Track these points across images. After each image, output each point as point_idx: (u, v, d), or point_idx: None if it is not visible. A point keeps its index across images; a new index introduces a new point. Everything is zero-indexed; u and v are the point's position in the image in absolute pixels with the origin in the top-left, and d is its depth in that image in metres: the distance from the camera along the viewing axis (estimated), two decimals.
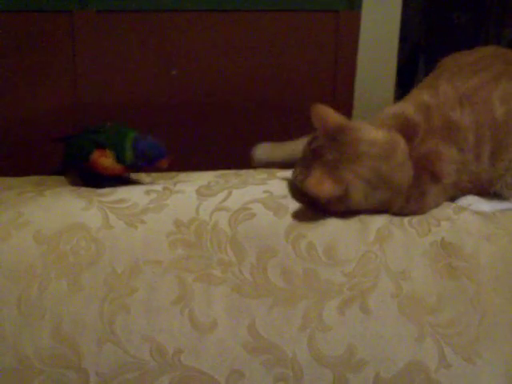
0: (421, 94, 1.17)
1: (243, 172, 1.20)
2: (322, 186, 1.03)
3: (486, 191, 1.18)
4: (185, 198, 1.09)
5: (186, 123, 1.83)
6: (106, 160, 1.16)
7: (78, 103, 1.80)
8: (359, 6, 1.83)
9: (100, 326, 1.00)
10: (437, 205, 1.15)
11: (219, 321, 1.02)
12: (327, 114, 1.11)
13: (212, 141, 1.88)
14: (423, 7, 2.25)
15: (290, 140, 1.31)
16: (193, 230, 1.05)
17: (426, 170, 1.11)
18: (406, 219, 1.11)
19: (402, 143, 1.09)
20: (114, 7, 1.77)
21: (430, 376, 1.02)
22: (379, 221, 1.10)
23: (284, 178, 1.15)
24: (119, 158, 1.16)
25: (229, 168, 1.25)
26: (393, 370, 1.02)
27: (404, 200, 1.11)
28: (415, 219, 1.11)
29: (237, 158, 1.81)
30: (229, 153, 1.86)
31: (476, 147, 1.13)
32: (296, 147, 1.21)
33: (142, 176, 1.25)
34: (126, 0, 1.77)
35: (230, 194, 1.09)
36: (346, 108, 1.89)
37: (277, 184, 1.13)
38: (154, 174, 1.24)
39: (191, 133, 1.86)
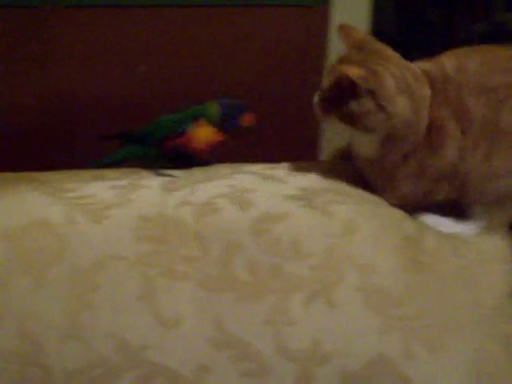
0: (443, 63, 1.14)
1: (208, 167, 1.19)
2: (353, 69, 1.02)
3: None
4: (149, 193, 1.09)
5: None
6: (206, 129, 1.19)
7: (46, 99, 1.78)
8: (328, 1, 1.83)
9: (64, 322, 0.99)
10: (416, 184, 1.14)
11: (184, 316, 1.01)
12: (352, 29, 1.12)
13: None
14: (395, 2, 2.26)
15: None
16: (157, 225, 1.05)
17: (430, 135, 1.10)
18: (372, 208, 1.11)
19: (427, 86, 1.09)
20: (82, 3, 1.75)
21: (396, 368, 1.02)
22: (347, 213, 1.09)
23: (250, 172, 1.15)
24: (212, 123, 1.19)
25: None
26: (359, 363, 1.02)
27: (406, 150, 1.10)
28: (385, 211, 1.11)
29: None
30: None
31: (475, 143, 1.12)
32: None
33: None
34: None
35: (194, 188, 1.09)
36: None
37: (242, 178, 1.12)
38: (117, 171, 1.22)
39: None
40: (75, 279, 1.01)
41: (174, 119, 1.22)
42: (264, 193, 1.09)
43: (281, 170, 1.17)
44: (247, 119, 1.20)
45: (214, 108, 1.20)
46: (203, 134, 1.19)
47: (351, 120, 1.08)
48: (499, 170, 1.12)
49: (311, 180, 1.14)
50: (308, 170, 1.18)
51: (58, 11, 1.74)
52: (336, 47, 1.84)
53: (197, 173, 1.15)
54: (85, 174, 1.18)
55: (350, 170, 1.19)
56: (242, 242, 1.04)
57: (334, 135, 1.83)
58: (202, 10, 1.80)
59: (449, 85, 1.12)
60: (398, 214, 1.12)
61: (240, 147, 1.85)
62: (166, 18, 1.80)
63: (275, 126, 1.85)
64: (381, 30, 2.02)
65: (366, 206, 1.11)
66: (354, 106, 1.06)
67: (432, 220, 1.17)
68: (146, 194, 1.08)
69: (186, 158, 1.22)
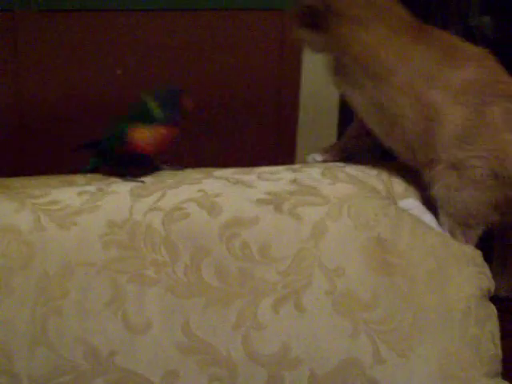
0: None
1: (179, 172, 1.19)
2: None
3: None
4: (118, 199, 1.08)
5: None
6: (143, 129, 1.16)
7: (20, 103, 1.77)
8: None
9: (32, 329, 0.99)
10: None
11: (153, 322, 1.01)
12: None
13: None
14: None
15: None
16: (126, 231, 1.04)
17: None
18: (345, 207, 1.10)
19: None
20: (56, 6, 1.75)
21: (364, 372, 1.03)
22: (316, 215, 1.09)
23: (220, 177, 1.15)
24: (150, 121, 1.16)
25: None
26: (328, 367, 1.02)
27: None
28: (356, 210, 1.11)
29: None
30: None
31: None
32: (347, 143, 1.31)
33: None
34: (68, 0, 1.75)
35: (164, 194, 1.09)
36: (291, 106, 1.89)
37: (212, 183, 1.12)
38: (87, 177, 1.22)
39: None
40: (43, 285, 1.00)
41: (112, 128, 1.20)
42: (233, 198, 1.09)
43: (251, 175, 1.17)
44: (186, 104, 1.17)
45: (153, 108, 1.16)
46: (142, 135, 1.16)
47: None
48: None
49: (281, 183, 1.14)
50: (279, 174, 1.18)
51: (31, 15, 1.73)
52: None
53: (167, 178, 1.15)
54: (54, 179, 1.17)
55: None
56: (211, 247, 1.04)
57: (309, 139, 1.84)
58: (179, 14, 1.80)
59: None
60: (372, 210, 1.12)
61: (214, 151, 1.86)
62: (139, 22, 1.79)
63: (251, 130, 1.85)
64: None
65: (336, 206, 1.11)
66: None
67: (410, 204, 1.19)
68: (114, 199, 1.08)
69: (141, 162, 1.20)
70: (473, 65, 1.16)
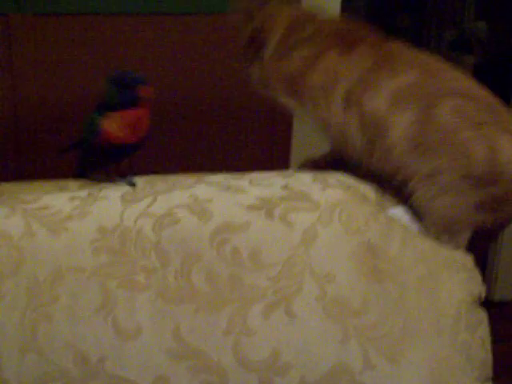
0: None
1: (171, 177, 1.19)
2: None
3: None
4: (109, 205, 1.08)
5: None
6: (110, 119, 1.13)
7: (15, 107, 1.77)
8: None
9: (22, 335, 0.99)
10: None
11: (143, 327, 1.01)
12: None
13: (160, 144, 1.87)
14: (365, 10, 2.27)
15: None
16: (117, 237, 1.04)
17: None
18: (335, 213, 1.10)
19: None
20: (51, 10, 1.75)
21: (354, 378, 1.03)
22: (306, 221, 1.09)
23: (211, 182, 1.15)
24: (113, 107, 1.13)
25: (164, 167, 1.26)
26: (318, 373, 1.03)
27: None
28: (347, 215, 1.11)
29: (167, 163, 1.81)
30: (157, 157, 1.86)
31: None
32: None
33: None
34: (63, 3, 1.75)
35: (155, 199, 1.09)
36: (284, 113, 1.89)
37: (203, 188, 1.12)
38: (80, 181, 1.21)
39: None
40: (33, 291, 1.01)
41: (86, 120, 1.18)
42: (224, 203, 1.09)
43: (243, 181, 1.17)
44: (144, 90, 1.13)
45: (110, 91, 1.14)
46: (110, 123, 1.14)
47: None
48: None
49: (272, 189, 1.14)
50: (271, 179, 1.18)
51: (25, 18, 1.73)
52: None
53: (158, 183, 1.15)
54: (46, 184, 1.17)
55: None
56: (202, 253, 1.04)
57: (304, 144, 1.84)
58: (174, 18, 1.81)
59: None
60: (362, 216, 1.11)
61: (207, 155, 1.86)
62: (133, 26, 1.79)
63: (246, 135, 1.85)
64: None
65: (326, 211, 1.11)
66: None
67: (400, 213, 1.17)
68: (105, 205, 1.08)
69: (121, 152, 1.18)
70: (415, 70, 1.12)
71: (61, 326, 1.00)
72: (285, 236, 1.07)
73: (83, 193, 1.11)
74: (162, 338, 1.01)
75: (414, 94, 1.11)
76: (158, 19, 1.79)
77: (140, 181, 1.16)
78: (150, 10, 1.78)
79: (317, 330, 1.03)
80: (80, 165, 1.25)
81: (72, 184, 1.19)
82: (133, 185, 1.14)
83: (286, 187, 1.14)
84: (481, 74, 1.99)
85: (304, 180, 1.16)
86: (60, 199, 1.09)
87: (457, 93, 1.11)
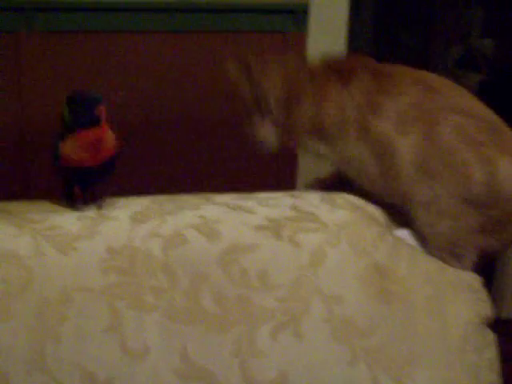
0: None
1: (179, 197, 1.19)
2: None
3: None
4: (118, 225, 1.08)
5: (129, 143, 1.82)
6: (67, 141, 1.10)
7: (23, 123, 1.78)
8: (305, 27, 1.85)
9: (30, 355, 0.99)
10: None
11: (151, 347, 1.01)
12: None
13: (153, 160, 1.88)
14: (372, 27, 2.28)
15: None
16: (125, 257, 1.05)
17: None
18: (343, 234, 1.10)
19: None
20: (59, 28, 1.76)
21: None
22: (314, 241, 1.09)
23: (220, 203, 1.15)
24: (70, 129, 1.10)
25: (182, 186, 1.26)
26: None
27: None
28: (356, 235, 1.11)
29: (175, 179, 1.82)
30: (169, 173, 1.86)
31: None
32: None
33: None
34: (71, 21, 1.76)
35: (163, 219, 1.09)
36: None
37: (211, 209, 1.13)
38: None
39: (132, 152, 1.85)
40: (42, 311, 1.01)
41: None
42: (232, 224, 1.09)
43: (251, 201, 1.17)
44: (98, 111, 1.09)
45: (65, 112, 1.11)
46: (70, 146, 1.11)
47: None
48: None
49: (280, 209, 1.14)
50: (279, 200, 1.18)
51: (35, 36, 1.74)
52: None
53: (166, 203, 1.15)
54: (54, 203, 1.17)
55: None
56: (210, 274, 1.05)
57: (310, 165, 1.84)
58: (179, 36, 1.82)
59: None
60: (370, 237, 1.12)
61: (216, 176, 1.87)
62: (142, 44, 1.81)
63: (252, 154, 1.85)
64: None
65: (334, 232, 1.11)
66: None
67: (405, 235, 1.18)
68: (113, 225, 1.08)
69: (85, 176, 1.15)
70: (416, 88, 1.13)
71: (69, 346, 1.00)
72: (293, 256, 1.07)
73: (92, 212, 1.11)
74: (170, 358, 1.01)
75: (416, 113, 1.12)
76: (169, 37, 1.80)
77: (148, 200, 1.16)
78: (162, 28, 1.79)
79: (325, 351, 1.03)
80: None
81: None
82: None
83: (294, 208, 1.14)
84: (487, 92, 1.99)
85: (312, 200, 1.17)
86: (68, 219, 1.09)
87: (459, 110, 1.12)
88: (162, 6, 1.79)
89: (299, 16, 1.83)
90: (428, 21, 2.19)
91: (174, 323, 1.02)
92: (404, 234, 1.17)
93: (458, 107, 1.13)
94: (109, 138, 1.13)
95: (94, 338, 1.00)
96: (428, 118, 1.11)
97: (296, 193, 1.23)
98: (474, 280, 1.14)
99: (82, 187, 1.16)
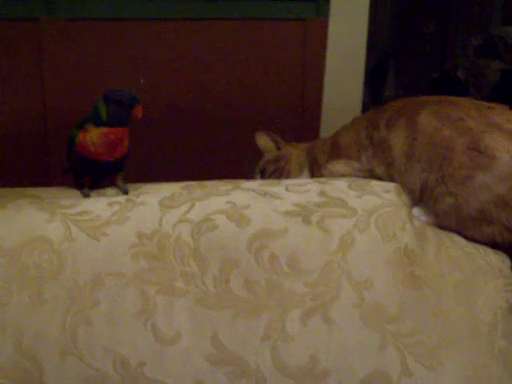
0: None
1: (208, 183, 1.20)
2: None
3: None
4: (148, 210, 1.09)
5: (154, 132, 1.83)
6: (92, 132, 1.15)
7: (46, 111, 1.79)
8: (326, 15, 1.84)
9: (62, 339, 1.00)
10: None
11: (182, 333, 1.02)
12: None
13: (180, 150, 1.88)
14: (392, 15, 2.27)
15: None
16: (155, 243, 1.05)
17: None
18: (372, 219, 1.11)
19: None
20: (81, 15, 1.76)
21: None
22: (343, 227, 1.09)
23: (248, 189, 1.16)
24: (98, 123, 1.15)
25: (198, 177, 1.25)
26: (355, 380, 1.02)
27: None
28: (381, 219, 1.11)
29: (206, 167, 1.82)
30: (198, 162, 1.87)
31: None
32: None
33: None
34: (93, 8, 1.76)
35: (193, 205, 1.09)
36: (313, 116, 1.90)
37: (240, 195, 1.13)
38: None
39: (158, 142, 1.85)
40: (73, 295, 1.01)
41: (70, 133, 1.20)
42: (261, 209, 1.10)
43: (279, 187, 1.17)
44: (136, 112, 1.15)
45: (101, 109, 1.15)
46: (91, 138, 1.16)
47: None
48: None
49: (308, 195, 1.14)
50: (307, 186, 1.18)
51: (56, 23, 1.74)
52: (333, 60, 1.86)
53: (195, 189, 1.16)
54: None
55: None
56: (239, 259, 1.05)
57: None
58: (200, 24, 1.81)
59: None
60: (398, 221, 1.12)
61: (237, 159, 1.87)
62: (163, 31, 1.80)
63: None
64: (377, 42, 2.03)
65: (363, 217, 1.11)
66: None
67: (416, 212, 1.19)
68: (144, 210, 1.09)
69: (97, 169, 1.19)
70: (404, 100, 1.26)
71: (101, 331, 1.01)
72: (322, 242, 1.07)
73: (121, 198, 1.12)
74: (201, 343, 1.02)
75: (400, 111, 1.21)
76: (191, 24, 1.80)
77: (177, 186, 1.16)
78: (183, 16, 1.79)
79: (355, 336, 1.03)
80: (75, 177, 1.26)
81: (108, 190, 1.20)
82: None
83: (322, 193, 1.14)
84: (508, 80, 1.98)
85: (340, 187, 1.17)
86: (99, 204, 1.10)
87: (436, 101, 1.19)
88: None
89: (321, 3, 1.82)
90: (448, 8, 2.18)
91: (205, 309, 1.03)
92: (416, 211, 1.17)
93: (436, 99, 1.20)
94: (127, 138, 1.18)
95: (126, 323, 1.01)
96: (410, 111, 1.19)
97: (323, 179, 1.23)
98: (503, 265, 1.14)
99: (91, 178, 1.20)
